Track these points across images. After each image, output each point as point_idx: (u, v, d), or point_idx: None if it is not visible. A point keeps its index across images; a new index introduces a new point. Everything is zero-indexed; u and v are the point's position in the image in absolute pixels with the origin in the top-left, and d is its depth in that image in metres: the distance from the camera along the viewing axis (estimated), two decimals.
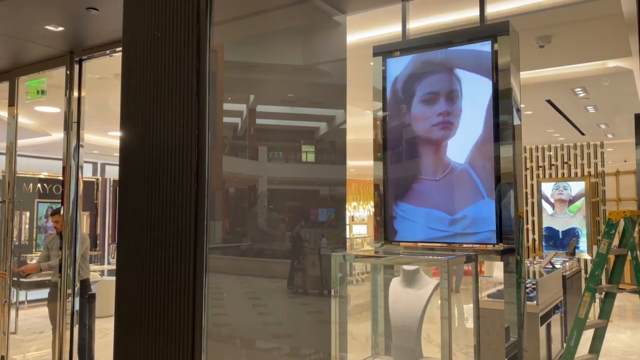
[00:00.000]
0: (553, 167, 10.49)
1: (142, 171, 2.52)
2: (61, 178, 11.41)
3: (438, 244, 2.48)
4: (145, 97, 2.54)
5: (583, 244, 9.17)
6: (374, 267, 2.56)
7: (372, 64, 2.72)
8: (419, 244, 2.55)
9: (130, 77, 2.62)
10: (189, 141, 2.34)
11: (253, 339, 3.55)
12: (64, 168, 4.25)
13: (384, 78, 2.62)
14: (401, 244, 2.60)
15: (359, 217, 17.41)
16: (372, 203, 17.21)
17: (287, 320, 3.63)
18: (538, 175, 10.56)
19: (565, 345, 4.22)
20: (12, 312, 5.06)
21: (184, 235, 2.34)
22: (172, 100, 2.43)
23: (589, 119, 7.87)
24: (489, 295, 5.01)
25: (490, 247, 2.38)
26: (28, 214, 10.08)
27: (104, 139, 9.64)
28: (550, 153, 10.52)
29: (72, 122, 4.13)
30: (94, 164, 12.12)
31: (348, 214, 16.54)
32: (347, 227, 15.67)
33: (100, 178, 11.60)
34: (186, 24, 2.40)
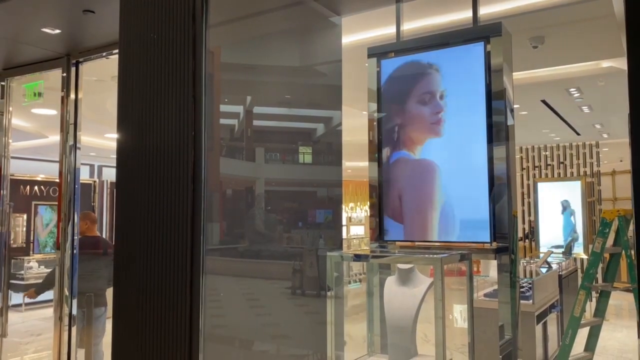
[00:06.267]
0: (549, 167, 10.55)
1: (139, 173, 2.53)
2: (58, 180, 11.32)
3: (433, 243, 2.50)
4: (142, 99, 2.56)
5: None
6: (369, 267, 2.58)
7: (367, 65, 2.74)
8: (415, 243, 2.57)
9: (127, 79, 2.64)
10: (186, 143, 2.36)
11: (250, 340, 3.56)
12: (60, 171, 4.26)
13: (379, 79, 2.64)
14: (396, 243, 2.62)
15: (356, 218, 17.42)
16: (369, 204, 17.26)
17: (285, 322, 3.64)
18: (534, 176, 10.62)
19: (561, 343, 4.25)
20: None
21: (181, 237, 2.36)
22: (168, 102, 2.44)
23: (584, 119, 7.92)
24: (485, 295, 5.03)
25: (486, 246, 2.40)
26: (25, 216, 10.07)
27: (101, 141, 9.65)
28: (547, 153, 10.58)
29: (69, 124, 4.13)
30: (91, 166, 12.10)
31: (345, 215, 16.54)
32: (345, 228, 15.66)
33: (97, 180, 11.59)
34: (182, 26, 2.42)
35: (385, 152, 2.56)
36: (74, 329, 4.15)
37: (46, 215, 10.52)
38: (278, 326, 3.67)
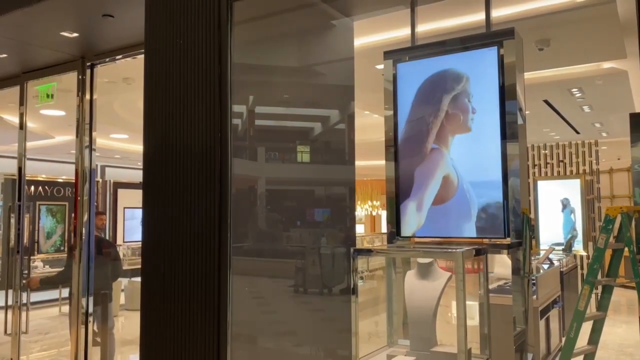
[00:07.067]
0: (549, 166, 10.66)
1: (167, 173, 2.61)
2: (61, 180, 11.32)
3: (446, 239, 2.60)
4: (169, 103, 2.64)
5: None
6: (388, 262, 2.68)
7: (378, 67, 2.83)
8: (428, 239, 2.66)
9: (153, 83, 2.72)
10: (212, 144, 2.45)
11: (262, 337, 3.63)
12: (76, 171, 4.34)
13: (395, 81, 2.73)
14: (411, 239, 2.72)
15: (357, 217, 17.54)
16: (369, 203, 17.38)
17: (299, 320, 3.71)
18: (534, 174, 10.73)
19: (565, 337, 4.36)
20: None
21: (208, 235, 2.44)
22: (196, 105, 2.53)
23: (584, 118, 8.04)
24: (490, 291, 5.12)
25: (499, 241, 2.50)
26: (29, 216, 10.12)
27: (106, 142, 9.71)
28: (546, 152, 10.69)
29: (85, 125, 4.22)
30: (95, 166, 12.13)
31: None
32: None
33: (100, 180, 11.65)
34: (208, 31, 2.51)
35: (418, 146, 2.64)
36: (90, 327, 4.23)
37: (47, 223, 10.47)
38: (293, 324, 3.73)
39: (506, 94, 2.49)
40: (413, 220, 2.63)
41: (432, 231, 2.61)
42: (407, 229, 2.66)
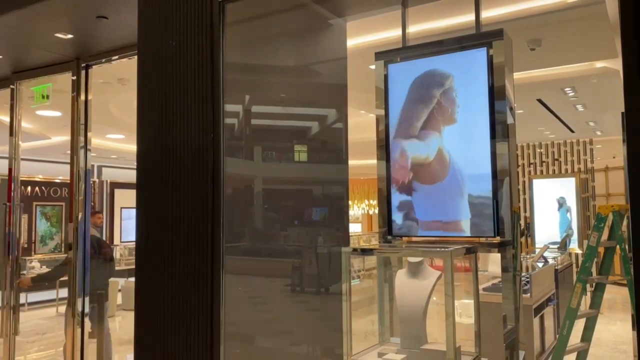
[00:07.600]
0: (544, 164, 10.71)
1: (160, 175, 2.63)
2: (57, 181, 11.28)
3: (438, 238, 2.63)
4: (162, 104, 2.66)
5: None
6: (380, 261, 2.71)
7: (372, 67, 2.86)
8: (420, 238, 2.69)
9: (146, 85, 2.74)
10: (205, 145, 2.47)
11: (259, 336, 3.65)
12: (71, 171, 4.35)
13: (386, 82, 2.76)
14: (403, 238, 2.75)
15: (354, 216, 17.58)
16: (366, 202, 17.43)
17: (296, 320, 3.73)
18: (530, 172, 10.77)
19: (558, 334, 4.40)
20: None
21: (201, 235, 2.46)
22: (188, 106, 2.55)
23: (578, 116, 8.09)
24: (484, 289, 5.16)
25: (486, 240, 2.53)
26: (26, 216, 10.12)
27: (102, 142, 9.72)
28: (541, 150, 10.74)
29: (80, 125, 4.23)
30: (91, 166, 12.16)
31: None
32: None
33: (97, 180, 11.66)
34: (200, 33, 2.53)
35: (410, 135, 2.68)
36: (86, 328, 4.26)
37: (41, 227, 10.41)
38: (288, 323, 3.76)
39: (496, 93, 2.51)
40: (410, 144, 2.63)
41: (429, 213, 2.63)
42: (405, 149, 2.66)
